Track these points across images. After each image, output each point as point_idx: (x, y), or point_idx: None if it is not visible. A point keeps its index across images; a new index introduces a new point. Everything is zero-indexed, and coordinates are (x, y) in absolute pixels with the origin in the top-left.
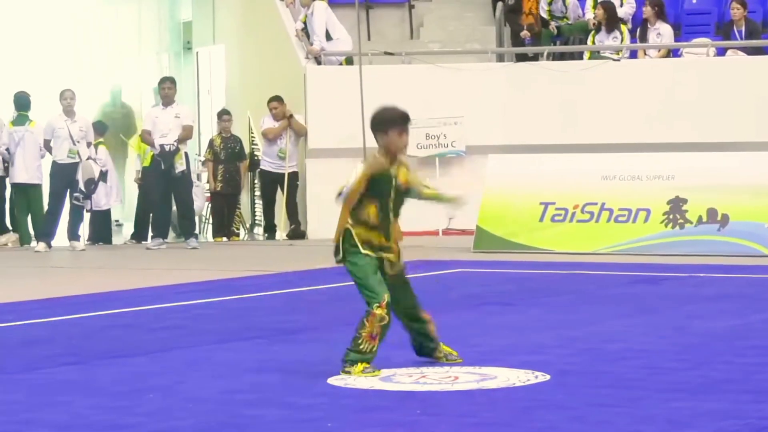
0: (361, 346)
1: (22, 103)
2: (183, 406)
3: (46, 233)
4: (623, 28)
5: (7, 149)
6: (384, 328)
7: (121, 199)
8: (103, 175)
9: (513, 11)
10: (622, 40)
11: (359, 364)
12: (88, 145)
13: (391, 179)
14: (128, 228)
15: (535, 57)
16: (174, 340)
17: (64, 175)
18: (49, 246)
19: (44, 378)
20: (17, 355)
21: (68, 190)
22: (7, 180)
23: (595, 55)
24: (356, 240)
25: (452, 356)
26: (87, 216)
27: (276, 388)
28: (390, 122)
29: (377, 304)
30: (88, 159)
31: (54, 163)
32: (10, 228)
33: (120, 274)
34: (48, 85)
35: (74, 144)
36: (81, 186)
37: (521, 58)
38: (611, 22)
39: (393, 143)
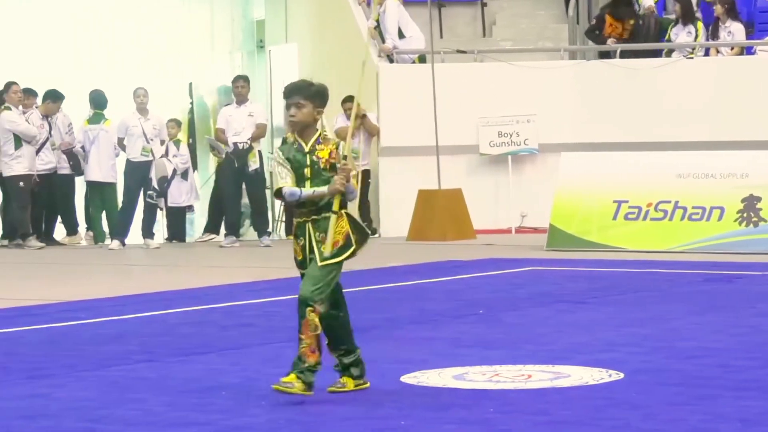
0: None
1: (98, 101)
2: (256, 404)
3: (120, 231)
4: (699, 24)
5: (83, 147)
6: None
7: (198, 197)
8: (184, 173)
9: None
10: (696, 37)
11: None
12: (162, 143)
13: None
14: (201, 224)
15: (607, 55)
16: (246, 338)
17: (137, 173)
18: (123, 244)
19: (117, 375)
20: (90, 353)
21: (142, 188)
22: (82, 178)
23: (668, 52)
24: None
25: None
26: (162, 213)
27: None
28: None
29: None
30: (161, 157)
31: (128, 161)
32: (86, 226)
33: (193, 271)
34: (122, 84)
35: (147, 142)
36: (154, 184)
37: (593, 56)
38: (687, 16)
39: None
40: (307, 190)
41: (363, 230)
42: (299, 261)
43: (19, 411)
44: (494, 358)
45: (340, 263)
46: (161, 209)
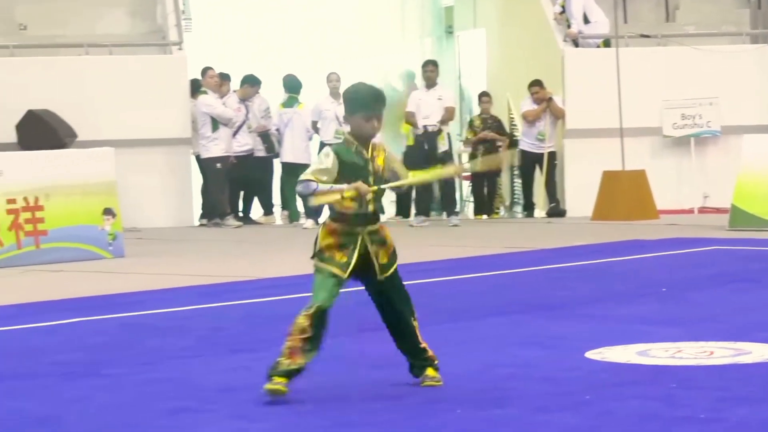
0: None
1: (291, 85)
2: (448, 380)
3: (314, 210)
4: None
5: (277, 130)
6: (305, 341)
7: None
8: None
9: None
10: None
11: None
12: None
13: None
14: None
15: None
16: (438, 315)
17: None
18: (317, 223)
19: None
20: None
21: None
22: (278, 160)
23: None
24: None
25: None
26: None
27: (537, 361)
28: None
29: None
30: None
31: (321, 143)
32: (281, 206)
33: None
34: (315, 69)
35: (340, 125)
36: None
37: None
38: None
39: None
40: (324, 186)
41: None
42: (342, 263)
43: (221, 384)
44: (677, 334)
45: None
46: None
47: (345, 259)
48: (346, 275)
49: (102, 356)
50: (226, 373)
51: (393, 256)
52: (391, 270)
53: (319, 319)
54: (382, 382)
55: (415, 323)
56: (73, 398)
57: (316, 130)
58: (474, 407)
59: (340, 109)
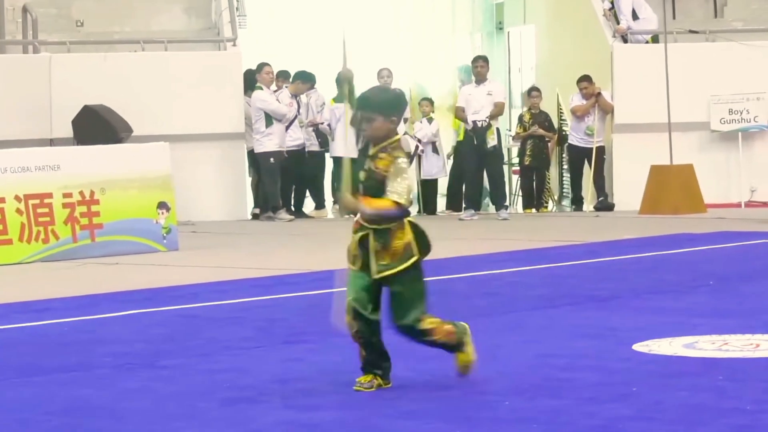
0: None
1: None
2: (499, 370)
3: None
4: None
5: (329, 125)
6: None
7: (446, 172)
8: (435, 148)
9: None
10: None
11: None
12: (405, 121)
13: None
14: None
15: None
16: (489, 307)
17: None
18: None
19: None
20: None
21: None
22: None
23: None
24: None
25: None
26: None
27: (585, 352)
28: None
29: None
30: (404, 134)
31: None
32: (332, 200)
33: (436, 242)
34: (367, 64)
35: None
36: None
37: None
38: None
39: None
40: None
41: (426, 240)
42: (351, 255)
43: (276, 374)
44: (724, 327)
45: (421, 273)
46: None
47: (354, 252)
48: (355, 267)
49: (159, 347)
50: (282, 363)
51: (399, 260)
52: (389, 272)
53: (354, 315)
54: (433, 374)
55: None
56: (131, 389)
57: None
58: (524, 398)
59: None
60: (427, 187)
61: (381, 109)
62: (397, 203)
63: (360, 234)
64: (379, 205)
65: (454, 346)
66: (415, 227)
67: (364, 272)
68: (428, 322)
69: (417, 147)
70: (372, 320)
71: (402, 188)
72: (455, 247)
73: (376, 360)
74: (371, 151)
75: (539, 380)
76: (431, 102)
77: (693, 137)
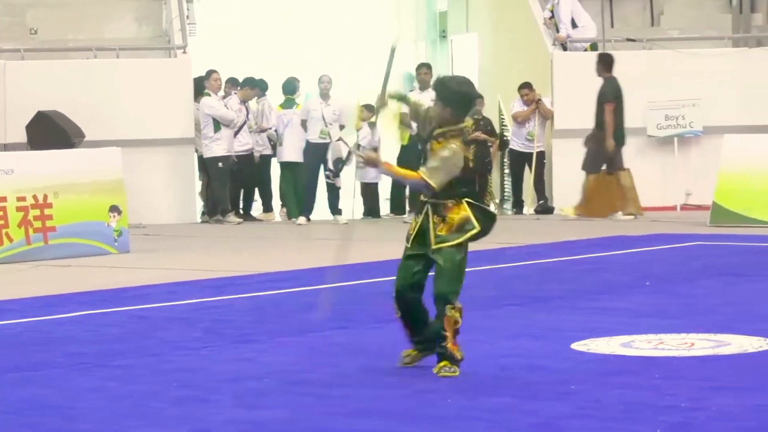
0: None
1: (288, 87)
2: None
3: (305, 207)
4: None
5: (276, 130)
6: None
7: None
8: (375, 152)
9: None
10: None
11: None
12: (341, 127)
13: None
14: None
15: None
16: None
17: (315, 154)
18: (308, 219)
19: (314, 341)
20: (290, 320)
21: (321, 167)
22: (275, 159)
23: None
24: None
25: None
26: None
27: (527, 352)
28: None
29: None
30: (338, 140)
31: (307, 142)
32: (280, 203)
33: (380, 245)
34: (315, 72)
35: (326, 125)
36: (330, 165)
37: (755, 43)
38: None
39: None
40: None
41: (489, 214)
42: (408, 235)
43: (226, 374)
44: (660, 327)
45: (466, 252)
46: (338, 188)
47: (411, 231)
48: (409, 244)
49: (112, 348)
50: (233, 363)
51: (457, 232)
52: (444, 245)
53: (399, 302)
54: (380, 373)
55: (446, 312)
56: (85, 389)
57: (305, 128)
58: (467, 396)
59: (328, 110)
60: (368, 191)
61: (453, 100)
62: (423, 179)
63: (421, 215)
64: (405, 173)
65: (449, 338)
66: (475, 207)
67: (416, 251)
68: (458, 303)
69: (349, 153)
70: (414, 300)
71: (433, 168)
72: (401, 249)
73: (421, 335)
74: (436, 131)
75: (482, 379)
76: (372, 108)
77: (630, 142)
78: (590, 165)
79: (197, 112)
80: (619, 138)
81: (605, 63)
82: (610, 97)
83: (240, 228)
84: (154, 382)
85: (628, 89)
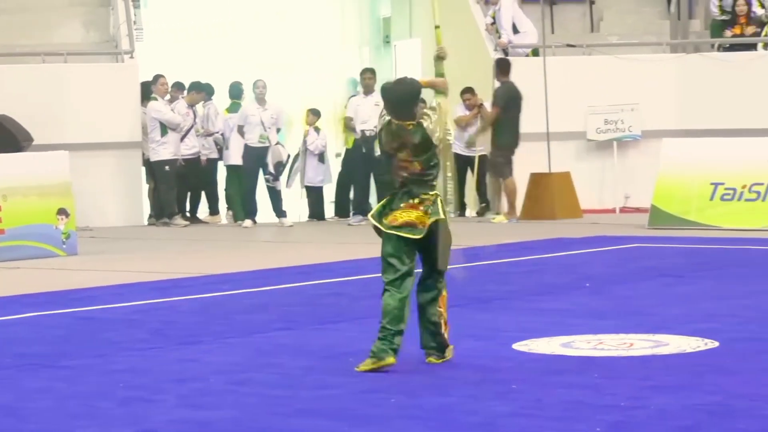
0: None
1: (234, 92)
2: (386, 369)
3: (249, 210)
4: None
5: (222, 134)
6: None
7: (330, 179)
8: (321, 156)
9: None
10: None
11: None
12: (278, 131)
13: None
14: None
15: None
16: (378, 309)
17: (254, 158)
18: (254, 222)
19: (260, 342)
20: (236, 321)
21: (261, 171)
22: (221, 162)
23: (765, 45)
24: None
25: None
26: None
27: (469, 352)
28: None
29: None
30: (276, 144)
31: (246, 146)
32: (226, 206)
33: (326, 247)
34: (259, 77)
35: (264, 130)
36: (270, 168)
37: (692, 49)
38: None
39: None
40: None
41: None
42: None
43: (172, 374)
44: (600, 327)
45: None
46: (279, 191)
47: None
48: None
49: (59, 348)
50: (178, 363)
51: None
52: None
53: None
54: (325, 372)
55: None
56: (33, 389)
57: (242, 134)
58: (409, 396)
59: (266, 115)
60: (312, 195)
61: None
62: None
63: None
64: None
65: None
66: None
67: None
68: None
69: (288, 156)
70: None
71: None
72: (345, 250)
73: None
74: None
75: (424, 378)
76: (317, 113)
77: (570, 146)
78: (499, 170)
79: (144, 116)
80: (511, 142)
81: (501, 68)
82: (500, 102)
83: (186, 230)
84: (100, 382)
85: (569, 94)
